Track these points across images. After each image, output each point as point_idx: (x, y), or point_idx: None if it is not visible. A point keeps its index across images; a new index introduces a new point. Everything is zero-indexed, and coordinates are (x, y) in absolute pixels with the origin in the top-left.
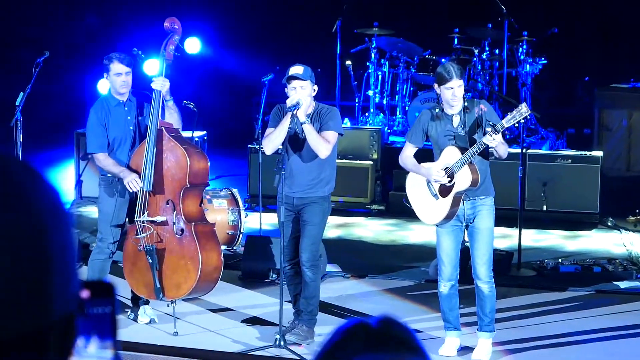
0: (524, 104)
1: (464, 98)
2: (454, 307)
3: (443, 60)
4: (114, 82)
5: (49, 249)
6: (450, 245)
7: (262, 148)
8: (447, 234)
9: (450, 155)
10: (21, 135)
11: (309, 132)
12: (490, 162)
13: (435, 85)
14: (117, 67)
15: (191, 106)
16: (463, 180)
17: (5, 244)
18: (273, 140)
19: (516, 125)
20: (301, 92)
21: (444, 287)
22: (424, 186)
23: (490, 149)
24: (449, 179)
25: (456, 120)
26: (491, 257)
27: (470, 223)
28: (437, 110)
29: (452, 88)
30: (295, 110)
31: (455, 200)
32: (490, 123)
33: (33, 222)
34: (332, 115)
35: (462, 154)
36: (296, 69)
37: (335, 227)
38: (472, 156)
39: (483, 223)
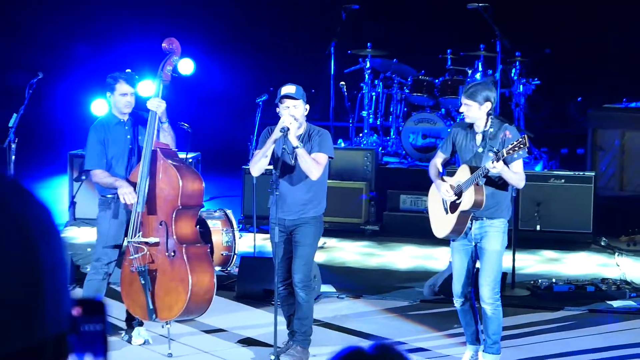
0: (525, 136)
1: (491, 121)
2: (469, 322)
3: (436, 80)
4: (118, 101)
5: (41, 268)
6: (459, 262)
7: (252, 155)
8: (457, 251)
9: (463, 173)
10: (14, 157)
11: (301, 155)
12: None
13: None
14: (123, 88)
15: (185, 127)
16: (467, 200)
17: None
18: (257, 163)
19: (515, 155)
20: (294, 111)
21: (456, 302)
22: (440, 199)
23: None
24: (457, 196)
25: (479, 139)
26: (496, 279)
27: (478, 243)
28: (469, 124)
29: (462, 104)
30: (286, 132)
31: (461, 217)
32: (494, 150)
33: (24, 242)
34: (323, 138)
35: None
36: (289, 89)
37: (329, 248)
38: (477, 178)
39: (489, 244)
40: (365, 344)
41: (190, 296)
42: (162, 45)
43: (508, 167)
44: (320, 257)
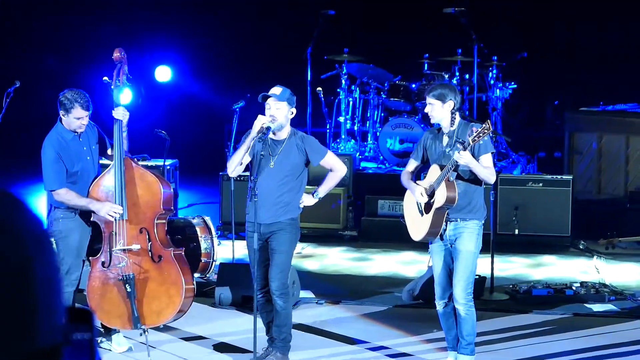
0: (487, 121)
1: (454, 119)
2: (451, 326)
3: (413, 85)
4: (71, 123)
5: (35, 280)
6: (438, 264)
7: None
8: (436, 253)
9: (434, 173)
10: None
11: (326, 192)
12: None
13: None
14: (79, 112)
15: (163, 134)
16: (440, 197)
17: None
18: (233, 161)
19: (481, 141)
20: (275, 112)
21: (438, 305)
22: (414, 202)
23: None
24: (430, 197)
25: (445, 140)
26: (469, 280)
27: (453, 244)
28: (438, 128)
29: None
30: (265, 135)
31: (436, 217)
32: (460, 140)
33: (19, 254)
34: (313, 145)
35: None
36: (274, 90)
37: (307, 254)
38: (447, 173)
39: (462, 245)
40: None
41: (183, 298)
42: (114, 55)
43: (477, 161)
44: (299, 263)
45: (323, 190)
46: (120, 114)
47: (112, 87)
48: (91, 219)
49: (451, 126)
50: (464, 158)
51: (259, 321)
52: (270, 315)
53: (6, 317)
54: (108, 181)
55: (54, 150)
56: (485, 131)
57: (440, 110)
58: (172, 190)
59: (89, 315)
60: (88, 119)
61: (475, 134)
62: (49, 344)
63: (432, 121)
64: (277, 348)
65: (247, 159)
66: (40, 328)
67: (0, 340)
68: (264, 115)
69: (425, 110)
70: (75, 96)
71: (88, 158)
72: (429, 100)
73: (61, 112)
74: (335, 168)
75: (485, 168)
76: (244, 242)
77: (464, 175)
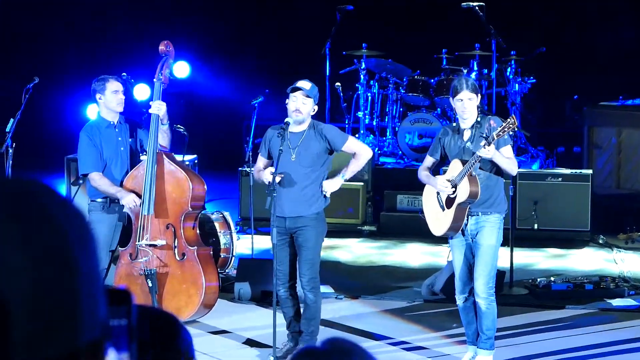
0: (512, 116)
1: (479, 114)
2: (471, 321)
3: (432, 80)
4: (110, 101)
5: (77, 276)
6: (458, 259)
7: (252, 172)
8: (456, 248)
9: (455, 168)
10: (11, 162)
11: (351, 174)
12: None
13: (451, 99)
14: (114, 85)
15: (181, 130)
16: (462, 191)
17: (36, 272)
18: (256, 179)
19: (505, 135)
20: (301, 106)
21: (458, 299)
22: (434, 197)
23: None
24: (453, 190)
25: (467, 135)
26: (490, 274)
27: (474, 239)
28: (454, 124)
29: (462, 100)
30: (284, 131)
31: (459, 212)
32: (484, 135)
33: (61, 249)
34: (333, 133)
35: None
36: (304, 83)
37: (326, 248)
38: (470, 168)
39: (483, 239)
40: (367, 343)
41: (202, 299)
42: (160, 48)
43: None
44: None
45: (349, 172)
46: (156, 108)
47: (155, 79)
48: (123, 210)
49: (475, 119)
50: (489, 152)
51: (279, 316)
52: (292, 310)
53: (46, 313)
54: (141, 174)
55: (85, 135)
56: (511, 125)
57: (476, 104)
58: (204, 188)
59: (127, 296)
60: (123, 97)
61: (500, 129)
62: (89, 340)
63: (464, 116)
64: (303, 342)
65: (267, 162)
66: (81, 324)
67: (41, 336)
68: (288, 107)
69: (465, 105)
70: (104, 75)
71: (122, 149)
72: (469, 95)
73: (98, 97)
74: (360, 152)
75: (508, 159)
76: (262, 237)
77: (486, 169)
